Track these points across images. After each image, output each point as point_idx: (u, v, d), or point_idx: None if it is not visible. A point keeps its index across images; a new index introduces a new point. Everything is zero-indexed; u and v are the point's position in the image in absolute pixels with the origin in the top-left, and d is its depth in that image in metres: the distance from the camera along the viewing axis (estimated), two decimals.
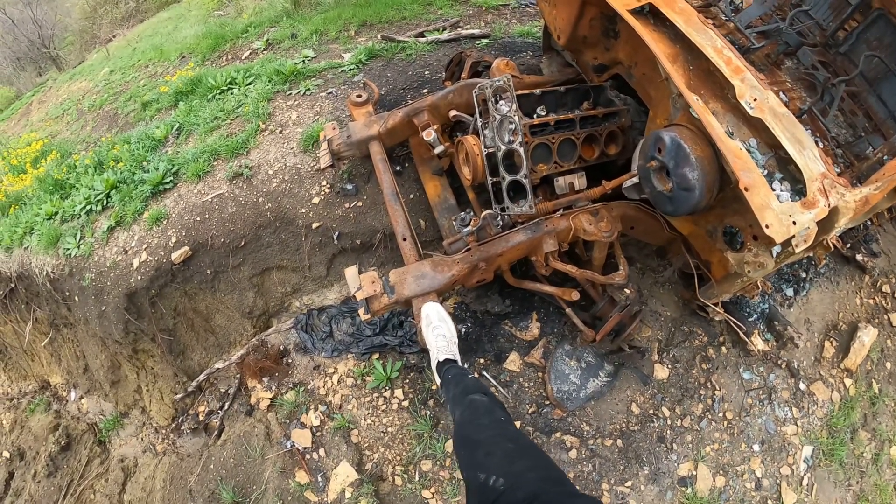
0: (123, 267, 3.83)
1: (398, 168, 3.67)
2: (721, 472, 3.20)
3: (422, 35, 4.85)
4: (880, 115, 4.10)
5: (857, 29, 4.61)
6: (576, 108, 2.97)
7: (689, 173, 2.39)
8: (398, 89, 4.13)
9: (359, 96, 3.50)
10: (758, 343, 3.52)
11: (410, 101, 3.63)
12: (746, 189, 2.22)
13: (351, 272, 2.79)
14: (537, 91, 2.87)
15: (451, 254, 2.90)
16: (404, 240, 2.98)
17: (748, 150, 2.47)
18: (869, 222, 4.32)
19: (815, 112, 3.79)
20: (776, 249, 2.57)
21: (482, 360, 3.23)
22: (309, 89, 4.33)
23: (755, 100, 2.45)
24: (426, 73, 4.27)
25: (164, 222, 3.86)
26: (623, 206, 2.92)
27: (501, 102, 2.80)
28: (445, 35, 4.74)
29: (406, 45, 4.61)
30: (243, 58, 5.51)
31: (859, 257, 4.18)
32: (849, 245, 4.14)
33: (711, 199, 2.51)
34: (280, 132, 4.05)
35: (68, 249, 4.02)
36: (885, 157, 3.28)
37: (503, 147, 2.78)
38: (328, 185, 3.64)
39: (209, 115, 4.51)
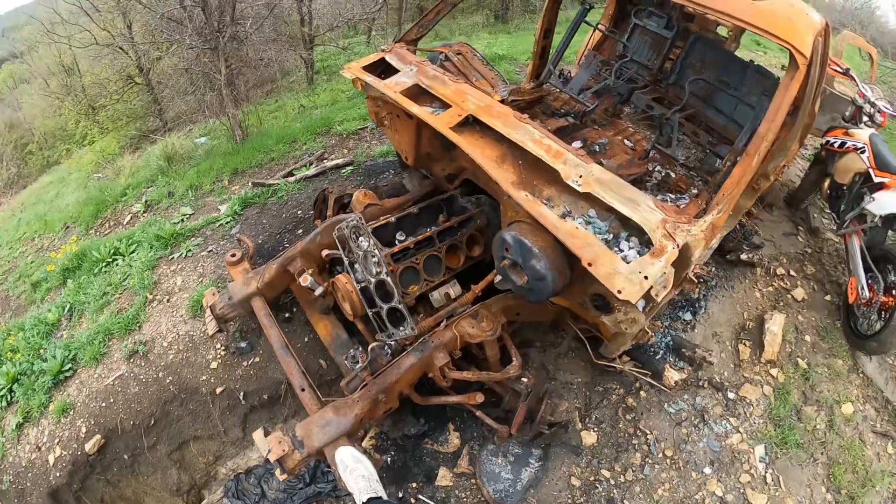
0: (40, 465, 3.67)
1: (287, 315, 3.72)
2: None
3: (290, 174, 5.05)
4: (720, 123, 4.55)
5: (680, 57, 5.14)
6: (432, 223, 3.15)
7: (536, 265, 2.56)
8: (275, 234, 4.25)
9: (233, 255, 3.56)
10: (672, 375, 3.66)
11: (287, 247, 3.74)
12: (590, 264, 2.37)
13: (258, 436, 2.76)
14: (392, 218, 3.03)
15: (351, 393, 2.93)
16: (302, 390, 3.00)
17: (588, 222, 2.67)
18: (743, 221, 4.67)
19: (660, 147, 4.16)
20: (641, 304, 2.73)
21: (414, 484, 3.22)
22: (190, 250, 4.37)
23: (581, 176, 2.66)
24: (299, 212, 4.43)
25: (71, 413, 3.74)
26: (500, 300, 3.07)
27: (361, 238, 2.93)
28: (312, 170, 4.96)
29: (277, 188, 4.78)
30: (125, 223, 5.51)
31: (744, 256, 4.46)
32: (726, 253, 4.45)
33: (567, 279, 2.68)
34: (168, 301, 4.04)
35: None
36: (735, 163, 3.57)
37: (373, 279, 2.90)
38: (223, 348, 3.64)
39: (98, 292, 4.45)
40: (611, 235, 2.63)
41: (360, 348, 2.99)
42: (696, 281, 3.06)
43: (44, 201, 7.91)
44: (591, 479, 3.29)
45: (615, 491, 3.28)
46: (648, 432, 3.48)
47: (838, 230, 4.33)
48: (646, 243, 2.55)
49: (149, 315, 3.99)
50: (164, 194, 5.46)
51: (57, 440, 3.67)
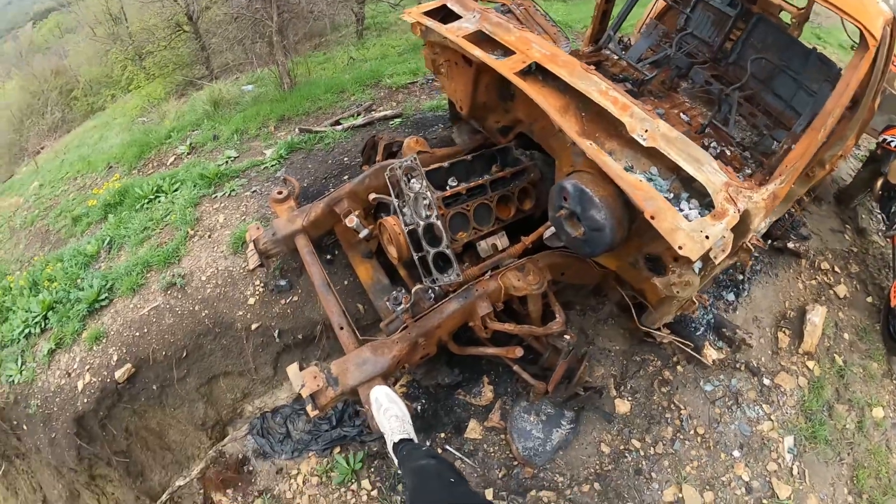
0: (68, 391, 3.67)
1: (329, 257, 3.66)
2: (707, 486, 3.17)
3: (338, 123, 4.98)
4: (778, 108, 4.36)
5: (741, 37, 4.94)
6: (485, 173, 3.05)
7: (596, 214, 2.46)
8: (320, 179, 4.18)
9: (280, 193, 3.51)
10: (711, 354, 3.55)
11: (331, 190, 3.68)
12: (653, 217, 2.26)
13: (293, 370, 2.73)
14: (446, 164, 2.94)
15: (390, 334, 2.88)
16: (341, 328, 2.95)
17: (650, 179, 2.55)
18: (792, 210, 4.50)
19: (717, 123, 4.00)
20: (698, 266, 2.62)
21: (442, 435, 3.17)
22: (234, 190, 4.34)
23: (646, 131, 2.53)
24: (345, 159, 4.36)
25: (104, 341, 3.74)
26: (549, 256, 2.97)
27: (413, 181, 2.85)
28: (360, 120, 4.88)
29: (324, 135, 4.72)
30: (168, 163, 5.51)
31: (791, 245, 4.32)
32: (773, 240, 4.29)
33: (625, 233, 2.58)
34: (209, 237, 4.02)
35: (11, 376, 3.85)
36: (792, 147, 3.44)
37: (422, 222, 2.82)
38: (262, 284, 3.60)
39: (138, 227, 4.45)
40: (671, 195, 2.52)
41: (403, 290, 2.91)
42: (752, 250, 2.91)
43: (87, 144, 7.97)
44: (621, 447, 3.21)
45: (644, 462, 3.20)
46: (682, 407, 3.38)
47: (887, 231, 4.16)
48: (706, 206, 2.44)
49: (189, 249, 3.98)
50: (210, 137, 5.44)
51: (87, 367, 3.67)
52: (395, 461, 2.37)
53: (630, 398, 3.32)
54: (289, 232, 3.31)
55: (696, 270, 2.61)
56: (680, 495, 3.08)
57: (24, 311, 4.16)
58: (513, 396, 3.25)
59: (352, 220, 3.20)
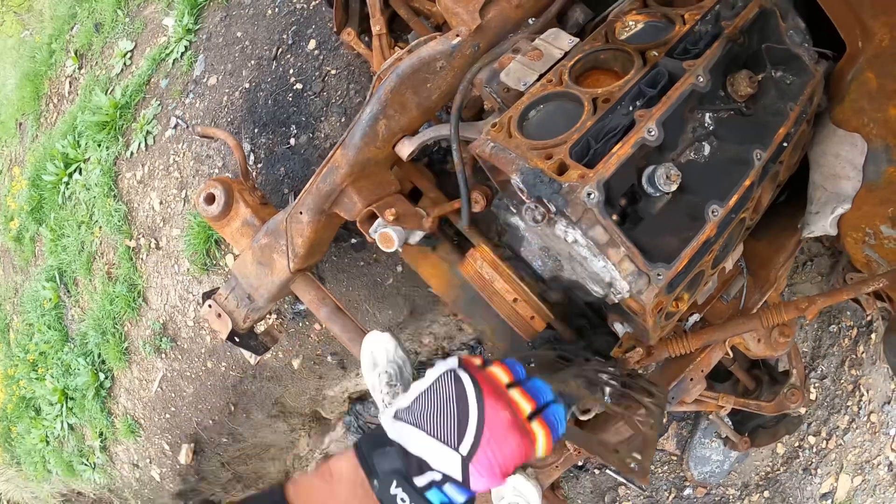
0: (148, 480, 2.39)
1: (354, 241, 1.50)
2: (858, 471, 1.96)
3: None
4: None
5: None
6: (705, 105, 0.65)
7: None
8: (265, 63, 1.50)
9: (210, 199, 1.18)
10: None
11: (297, 88, 1.24)
12: None
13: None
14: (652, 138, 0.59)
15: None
16: None
17: None
18: None
19: None
20: None
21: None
22: (149, 133, 1.82)
23: None
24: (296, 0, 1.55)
25: (142, 433, 2.25)
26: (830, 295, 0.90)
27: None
28: None
29: None
30: (68, 95, 2.62)
31: None
32: None
33: None
34: (157, 247, 1.83)
35: (89, 478, 2.66)
36: None
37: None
38: (276, 317, 1.63)
39: (75, 244, 2.23)
40: None
41: None
42: None
43: None
44: (797, 444, 1.86)
45: (814, 459, 1.88)
46: (865, 392, 1.88)
47: None
48: None
49: (146, 277, 1.86)
50: (91, 31, 2.40)
51: (149, 460, 2.29)
52: None
53: (817, 384, 1.81)
54: (273, 289, 1.18)
55: None
56: (835, 485, 1.89)
57: (45, 402, 2.67)
58: (690, 419, 1.67)
59: (389, 240, 1.02)
